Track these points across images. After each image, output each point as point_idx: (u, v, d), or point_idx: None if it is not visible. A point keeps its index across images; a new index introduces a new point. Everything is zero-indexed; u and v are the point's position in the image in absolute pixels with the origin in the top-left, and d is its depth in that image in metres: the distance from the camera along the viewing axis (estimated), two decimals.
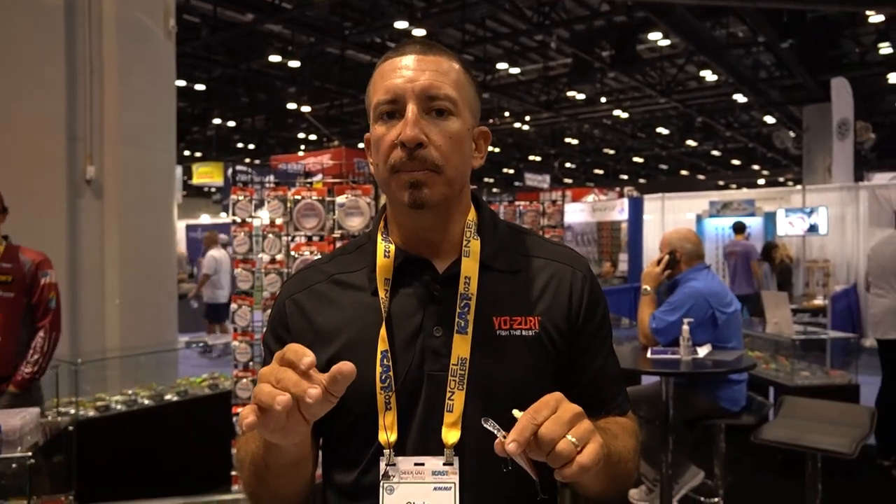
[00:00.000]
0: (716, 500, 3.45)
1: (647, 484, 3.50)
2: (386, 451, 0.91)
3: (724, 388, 3.17)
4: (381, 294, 0.96)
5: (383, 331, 0.93)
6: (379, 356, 0.92)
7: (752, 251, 8.38)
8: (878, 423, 4.07)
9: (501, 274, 0.99)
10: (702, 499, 3.52)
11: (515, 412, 0.74)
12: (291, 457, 0.86)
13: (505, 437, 0.72)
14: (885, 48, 11.60)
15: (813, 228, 9.10)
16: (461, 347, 0.92)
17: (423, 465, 0.91)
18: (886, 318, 4.21)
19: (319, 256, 1.36)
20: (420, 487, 0.90)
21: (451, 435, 0.91)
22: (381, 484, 0.90)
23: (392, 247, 0.98)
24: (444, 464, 0.91)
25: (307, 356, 0.69)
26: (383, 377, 0.92)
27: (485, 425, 0.75)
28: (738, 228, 8.87)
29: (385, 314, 0.94)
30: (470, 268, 0.96)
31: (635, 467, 1.00)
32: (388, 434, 0.91)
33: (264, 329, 1.06)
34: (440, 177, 0.92)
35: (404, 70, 0.93)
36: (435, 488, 0.90)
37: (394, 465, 0.91)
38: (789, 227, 9.34)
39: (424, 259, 0.98)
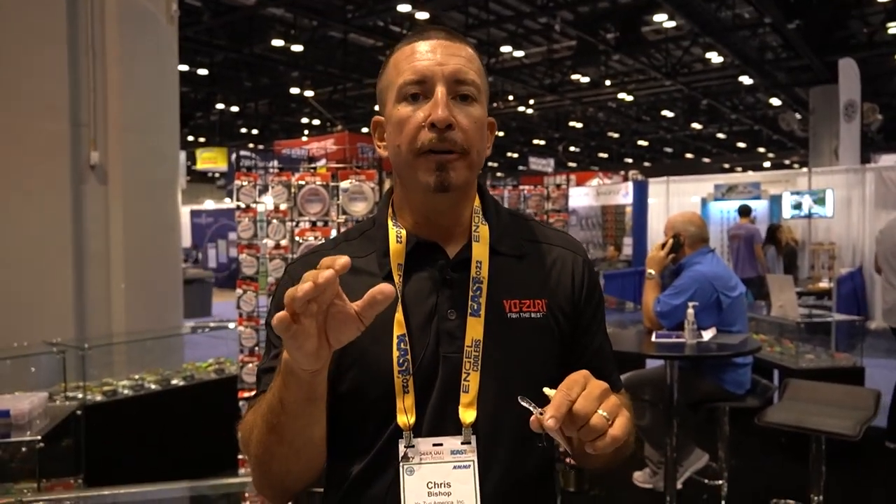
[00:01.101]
0: (720, 482, 3.47)
1: (652, 466, 3.52)
2: (405, 434, 0.92)
3: (729, 371, 3.17)
4: (396, 278, 0.97)
5: (399, 315, 0.94)
6: (395, 340, 0.94)
7: (755, 234, 8.34)
8: (890, 406, 4.09)
9: (508, 258, 1.01)
10: (706, 481, 3.54)
11: (547, 390, 0.78)
12: (307, 392, 0.83)
13: (542, 414, 0.75)
14: (893, 28, 11.45)
15: (814, 210, 9.06)
16: (475, 330, 0.94)
17: (441, 445, 0.93)
18: None
19: (323, 241, 1.36)
20: (440, 467, 0.92)
21: (467, 415, 0.93)
22: (401, 466, 0.92)
23: (404, 232, 0.99)
24: (462, 443, 0.93)
25: (340, 260, 0.71)
26: (401, 360, 0.93)
27: (521, 402, 0.78)
28: (743, 212, 8.83)
29: (400, 298, 0.95)
30: (481, 252, 0.98)
31: (633, 440, 1.03)
32: (407, 416, 0.92)
33: (268, 313, 1.06)
34: (465, 160, 0.94)
35: (431, 53, 0.94)
36: (454, 467, 0.92)
37: (413, 446, 0.92)
38: (795, 209, 9.32)
39: (436, 244, 0.99)
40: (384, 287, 0.73)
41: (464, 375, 0.93)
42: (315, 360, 0.77)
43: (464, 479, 0.91)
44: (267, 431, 0.90)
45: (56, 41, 3.91)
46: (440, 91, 0.92)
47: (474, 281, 0.96)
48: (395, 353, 0.93)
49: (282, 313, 0.72)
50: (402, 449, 0.92)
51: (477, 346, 0.94)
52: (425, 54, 0.94)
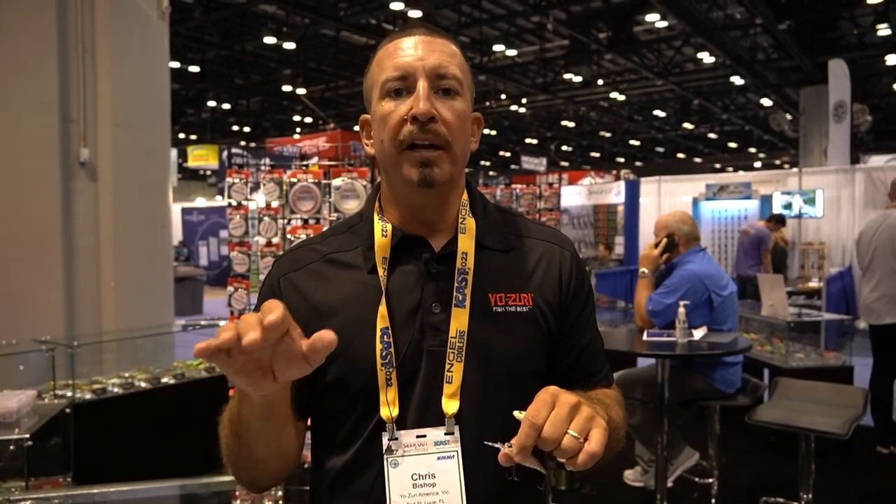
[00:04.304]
0: (710, 480, 3.49)
1: (643, 464, 3.53)
2: (388, 426, 0.93)
3: (720, 369, 3.19)
4: (380, 272, 0.97)
5: (383, 308, 0.95)
6: (379, 333, 0.94)
7: (765, 238, 8.19)
8: (874, 409, 4.12)
9: (495, 252, 1.01)
10: (696, 479, 3.55)
11: (517, 413, 0.77)
12: (261, 412, 0.86)
13: (510, 447, 0.74)
14: (883, 29, 11.53)
15: (804, 210, 9.11)
16: (459, 321, 0.94)
17: (424, 436, 0.93)
18: (878, 303, 4.20)
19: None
20: (424, 459, 0.92)
21: (450, 405, 0.93)
22: (385, 458, 0.92)
23: (389, 226, 1.00)
24: (446, 433, 0.93)
25: (273, 313, 0.66)
26: (384, 354, 0.93)
27: (488, 444, 0.78)
28: (772, 218, 8.69)
29: (384, 292, 0.96)
30: (466, 244, 0.98)
31: (625, 434, 1.04)
32: (390, 409, 0.93)
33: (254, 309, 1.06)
34: (448, 155, 0.94)
35: (413, 49, 0.95)
36: (438, 458, 0.92)
37: (396, 439, 0.93)
38: (785, 209, 9.37)
39: (421, 237, 0.99)
40: (324, 334, 0.69)
41: (447, 366, 0.94)
42: (258, 389, 0.75)
43: (448, 470, 0.92)
44: (231, 435, 0.93)
45: (46, 36, 3.87)
46: (422, 85, 0.92)
47: (459, 272, 0.96)
48: (379, 347, 0.93)
49: (207, 343, 0.66)
50: (385, 442, 0.93)
51: (461, 337, 0.94)
52: (407, 50, 0.95)
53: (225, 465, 0.98)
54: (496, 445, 0.76)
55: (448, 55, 0.96)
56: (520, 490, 0.97)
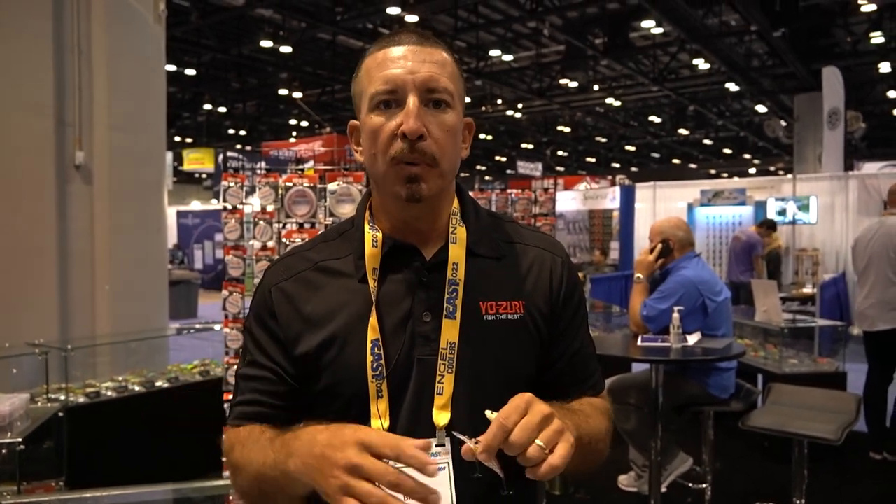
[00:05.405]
0: (704, 485, 3.49)
1: (637, 470, 3.53)
2: None
3: (713, 375, 3.20)
4: (371, 283, 0.97)
5: (373, 319, 0.94)
6: (369, 345, 0.93)
7: (756, 244, 8.23)
8: (868, 414, 4.14)
9: (486, 260, 1.01)
10: (690, 484, 3.56)
11: (488, 413, 0.77)
12: (303, 492, 0.87)
13: (476, 443, 0.75)
14: (876, 37, 11.62)
15: (798, 216, 9.14)
16: (450, 332, 0.94)
17: None
18: (871, 309, 4.22)
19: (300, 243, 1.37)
20: (414, 471, 0.91)
21: (441, 417, 0.93)
22: None
23: (380, 235, 0.99)
24: (437, 445, 0.92)
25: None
26: (374, 366, 0.93)
27: (455, 435, 0.79)
28: (763, 224, 8.74)
29: (374, 302, 0.95)
30: (457, 254, 0.98)
31: (607, 446, 1.03)
32: (381, 421, 0.93)
33: (246, 318, 1.06)
34: (436, 170, 0.93)
35: (403, 60, 0.93)
36: None
37: None
38: (779, 215, 9.39)
39: (412, 245, 0.99)
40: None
41: (438, 378, 0.93)
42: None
43: (439, 483, 0.89)
44: (258, 496, 0.93)
45: (42, 39, 3.87)
46: (412, 101, 0.91)
47: (450, 283, 0.96)
48: (369, 359, 0.93)
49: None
50: None
51: (452, 349, 0.94)
52: (396, 61, 0.93)
53: (233, 483, 0.98)
54: (464, 438, 0.76)
55: (439, 65, 0.94)
56: (512, 501, 0.97)
